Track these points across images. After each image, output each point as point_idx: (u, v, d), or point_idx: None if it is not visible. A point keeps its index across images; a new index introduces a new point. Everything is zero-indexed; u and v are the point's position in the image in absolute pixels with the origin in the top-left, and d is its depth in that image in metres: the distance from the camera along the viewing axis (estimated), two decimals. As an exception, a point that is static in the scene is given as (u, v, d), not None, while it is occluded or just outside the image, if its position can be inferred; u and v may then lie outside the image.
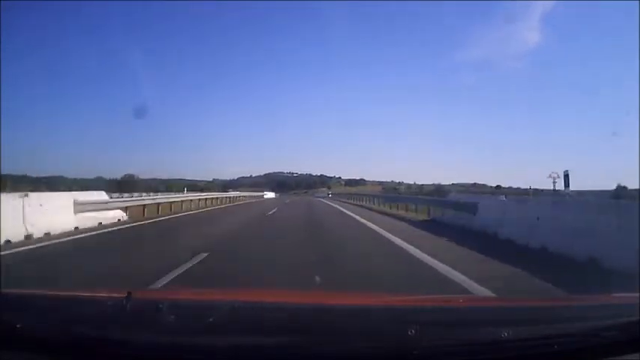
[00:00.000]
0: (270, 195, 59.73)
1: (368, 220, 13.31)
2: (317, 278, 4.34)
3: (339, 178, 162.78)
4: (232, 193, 36.08)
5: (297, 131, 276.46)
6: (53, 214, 9.11)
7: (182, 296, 1.79)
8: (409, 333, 1.01)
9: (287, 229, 11.27)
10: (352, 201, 34.08)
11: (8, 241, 7.36)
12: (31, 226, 8.24)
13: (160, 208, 16.23)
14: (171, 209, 17.41)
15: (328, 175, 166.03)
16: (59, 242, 7.92)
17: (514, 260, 5.96)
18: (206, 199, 24.39)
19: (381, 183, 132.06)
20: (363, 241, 8.65)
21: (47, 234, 8.47)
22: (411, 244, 7.51)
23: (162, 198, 17.73)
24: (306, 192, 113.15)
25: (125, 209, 12.98)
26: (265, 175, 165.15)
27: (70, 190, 13.85)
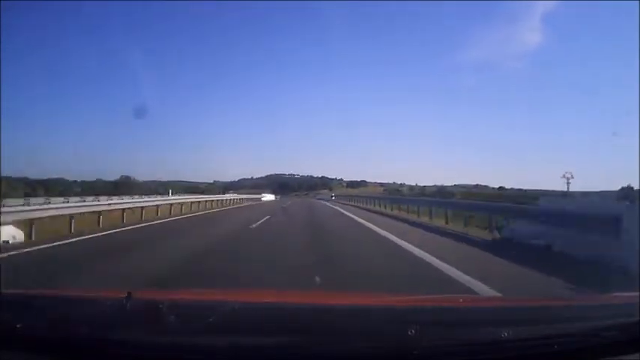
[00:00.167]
0: (269, 197, 55.50)
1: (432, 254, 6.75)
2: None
3: (341, 179, 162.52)
4: (225, 196, 34.48)
5: (297, 132, 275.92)
6: None
7: (182, 296, 1.79)
8: (409, 333, 1.01)
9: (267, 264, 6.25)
10: (361, 204, 29.22)
11: None
12: None
13: (124, 215, 13.75)
14: (141, 217, 14.65)
15: (330, 176, 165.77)
16: None
17: None
18: (191, 202, 21.93)
19: (382, 184, 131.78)
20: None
21: None
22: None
23: (128, 203, 14.61)
24: (307, 194, 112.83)
25: (30, 223, 9.10)
26: (267, 176, 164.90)
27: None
